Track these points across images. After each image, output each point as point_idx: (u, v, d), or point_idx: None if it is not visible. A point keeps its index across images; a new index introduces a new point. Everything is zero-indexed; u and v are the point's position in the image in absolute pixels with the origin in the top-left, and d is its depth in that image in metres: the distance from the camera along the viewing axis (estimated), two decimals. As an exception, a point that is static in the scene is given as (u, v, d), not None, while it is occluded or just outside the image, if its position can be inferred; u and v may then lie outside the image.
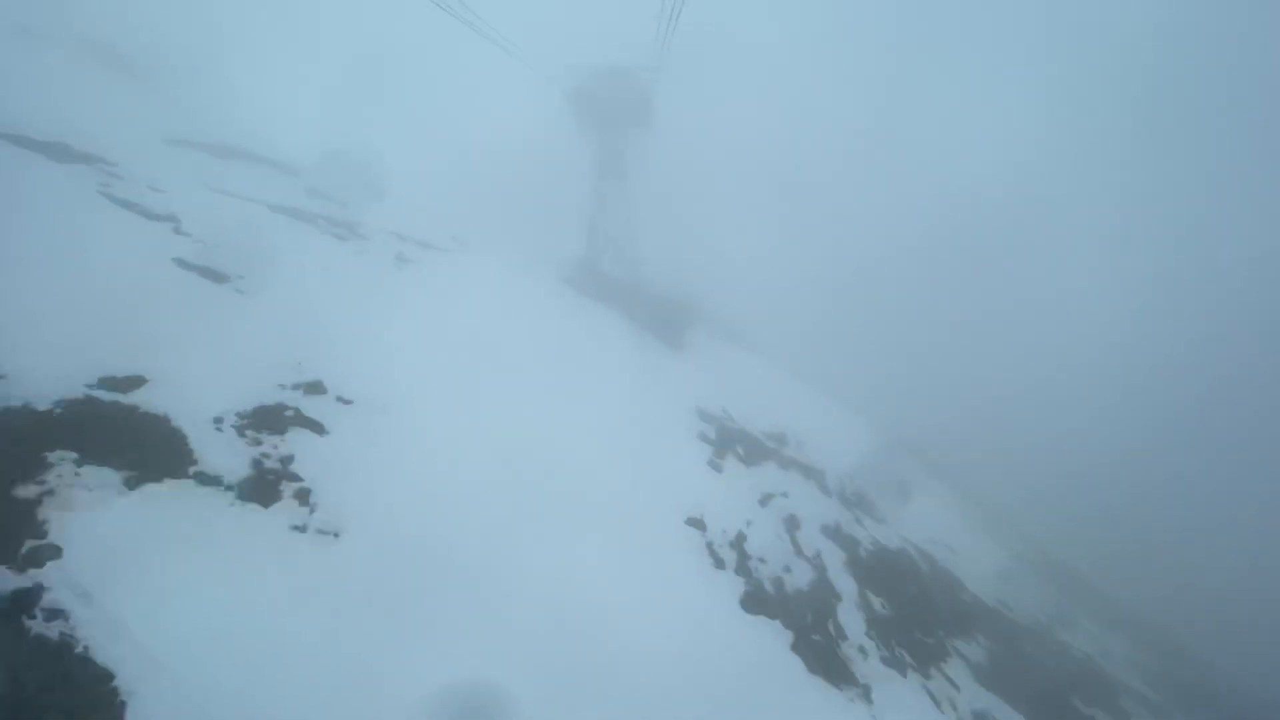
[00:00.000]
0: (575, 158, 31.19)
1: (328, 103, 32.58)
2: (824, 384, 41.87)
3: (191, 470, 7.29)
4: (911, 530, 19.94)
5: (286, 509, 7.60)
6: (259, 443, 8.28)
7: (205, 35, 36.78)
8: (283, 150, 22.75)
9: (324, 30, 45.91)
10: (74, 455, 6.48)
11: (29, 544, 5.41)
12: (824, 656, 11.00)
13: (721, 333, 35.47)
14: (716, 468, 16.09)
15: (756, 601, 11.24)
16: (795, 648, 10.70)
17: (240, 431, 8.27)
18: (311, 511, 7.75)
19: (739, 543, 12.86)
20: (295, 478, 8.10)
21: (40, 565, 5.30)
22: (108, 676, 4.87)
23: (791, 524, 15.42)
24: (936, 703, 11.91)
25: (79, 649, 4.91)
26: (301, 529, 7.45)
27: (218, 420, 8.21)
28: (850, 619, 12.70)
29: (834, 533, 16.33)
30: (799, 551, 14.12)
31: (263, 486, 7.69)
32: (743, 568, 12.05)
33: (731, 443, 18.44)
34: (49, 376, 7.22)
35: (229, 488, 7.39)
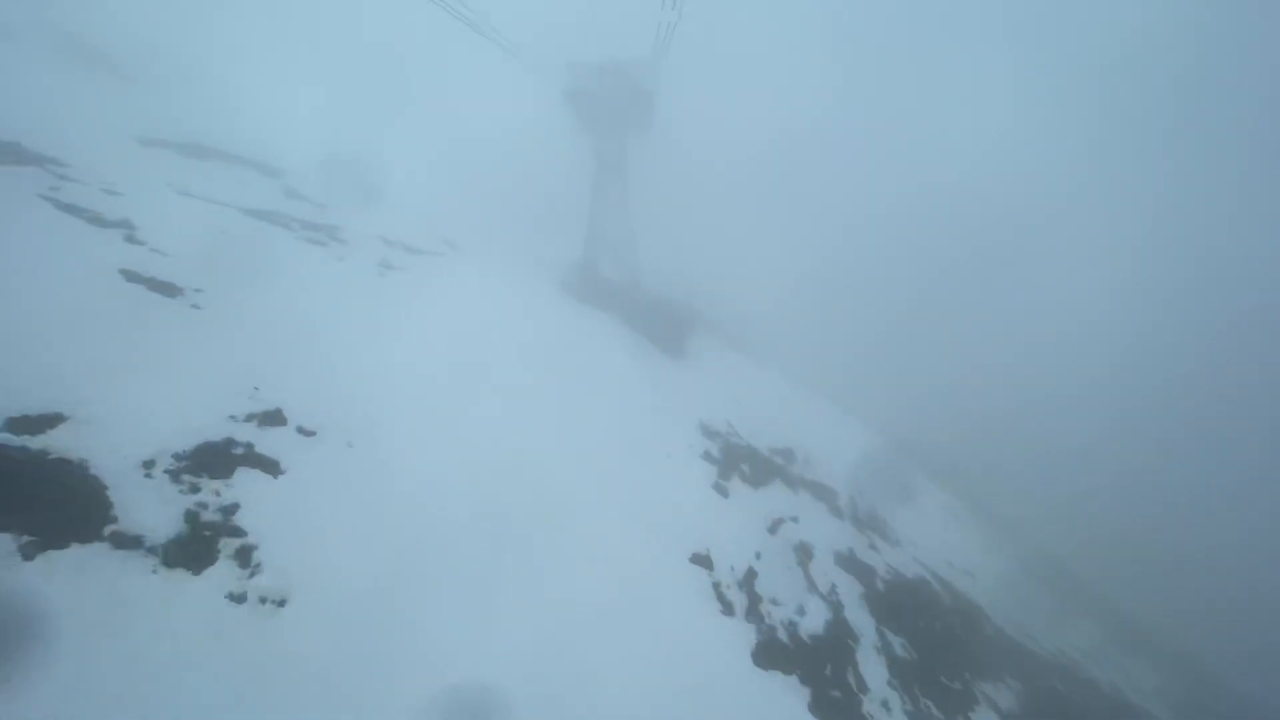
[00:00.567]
0: (574, 158, 30.05)
1: (318, 101, 31.39)
2: (828, 390, 40.81)
3: (108, 530, 6.13)
4: (926, 552, 18.80)
5: (223, 573, 6.44)
6: (196, 490, 7.12)
7: (196, 33, 35.68)
8: (265, 150, 21.59)
9: (317, 27, 44.70)
10: (-50, 521, 5.34)
11: None
12: (846, 716, 9.85)
13: (723, 339, 34.34)
14: (722, 491, 14.94)
15: (770, 653, 10.09)
16: (814, 707, 9.55)
17: (175, 477, 7.11)
18: (253, 574, 6.59)
19: (749, 581, 11.71)
20: (237, 532, 6.94)
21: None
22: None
23: (803, 553, 14.27)
24: (967, 761, 10.79)
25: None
26: (239, 599, 6.29)
27: (148, 464, 7.05)
28: (871, 666, 11.54)
29: (848, 561, 15.18)
30: (812, 586, 12.97)
31: (196, 546, 6.53)
32: (754, 612, 10.90)
33: (737, 461, 17.30)
34: (-65, 420, 6.08)
35: (152, 550, 6.23)
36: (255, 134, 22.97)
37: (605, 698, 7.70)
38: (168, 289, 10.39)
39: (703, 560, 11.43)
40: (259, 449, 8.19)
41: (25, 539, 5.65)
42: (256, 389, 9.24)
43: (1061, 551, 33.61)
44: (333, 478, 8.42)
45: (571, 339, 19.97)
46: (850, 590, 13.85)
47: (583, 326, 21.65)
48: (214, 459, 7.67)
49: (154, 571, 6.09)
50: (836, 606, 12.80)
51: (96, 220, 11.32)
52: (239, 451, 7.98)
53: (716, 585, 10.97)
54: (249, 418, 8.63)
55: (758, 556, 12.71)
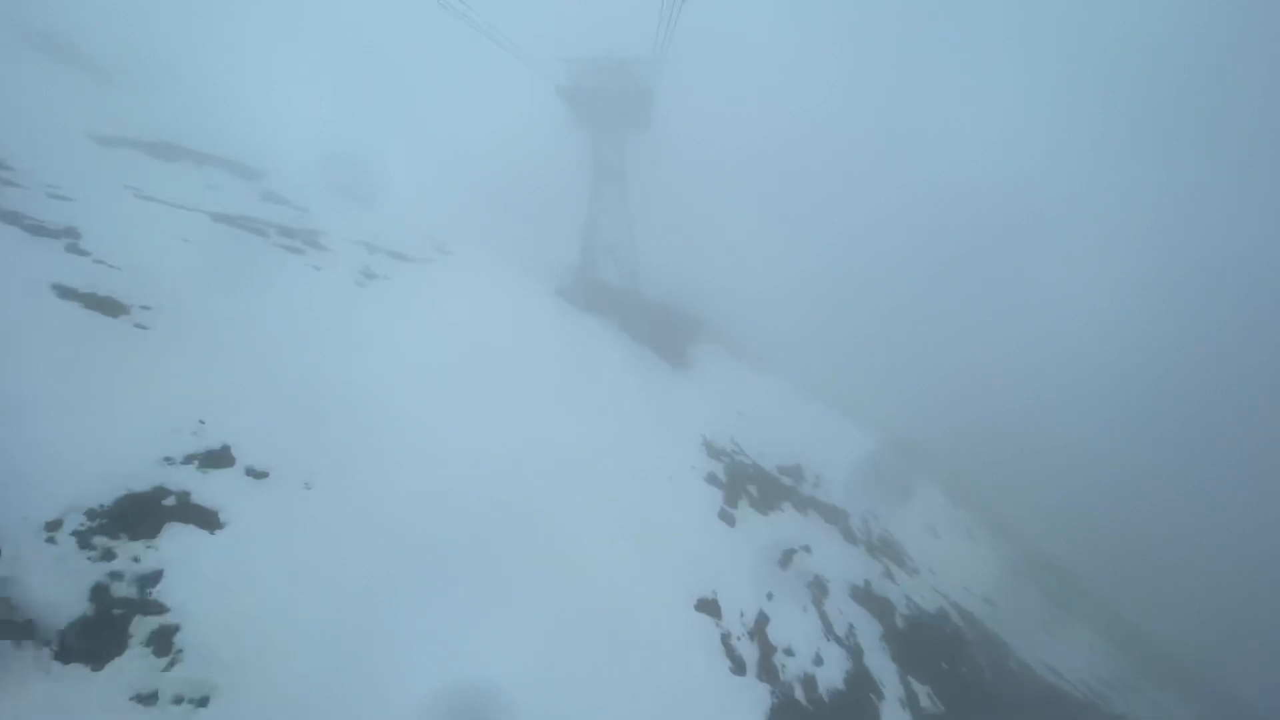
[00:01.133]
0: (571, 158, 28.92)
1: (304, 99, 30.22)
2: (832, 394, 39.74)
3: (-14, 617, 5.00)
4: (944, 579, 17.67)
5: (131, 665, 5.30)
6: (111, 556, 5.98)
7: (184, 31, 34.53)
8: (244, 150, 20.45)
9: (306, 24, 43.55)
10: None
11: None
12: (872, 791, 8.72)
13: (726, 346, 33.23)
14: (729, 520, 13.81)
15: (787, 718, 8.94)
16: (837, 784, 8.42)
17: (85, 541, 5.97)
18: (170, 664, 5.45)
19: (760, 629, 10.57)
20: (157, 608, 5.80)
21: None
22: None
23: (818, 589, 13.13)
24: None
25: None
26: (148, 699, 5.15)
27: (53, 526, 5.91)
28: (896, 724, 10.41)
29: (865, 595, 14.04)
30: (829, 630, 11.83)
31: (102, 631, 5.40)
32: (767, 666, 9.76)
33: (744, 483, 16.17)
34: None
35: (46, 643, 5.10)
36: (234, 133, 21.83)
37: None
38: (109, 306, 9.25)
39: (709, 607, 10.29)
40: (195, 498, 7.05)
41: (-128, 636, 4.52)
42: (202, 423, 8.10)
43: (1077, 568, 32.52)
44: (283, 529, 7.27)
45: (568, 351, 18.84)
46: (869, 630, 12.71)
47: (580, 337, 20.52)
48: (138, 514, 6.53)
49: (45, 673, 4.95)
50: (856, 652, 11.66)
51: (36, 229, 10.19)
52: (170, 503, 6.84)
53: (725, 637, 9.82)
54: (189, 459, 7.49)
55: (769, 598, 11.57)
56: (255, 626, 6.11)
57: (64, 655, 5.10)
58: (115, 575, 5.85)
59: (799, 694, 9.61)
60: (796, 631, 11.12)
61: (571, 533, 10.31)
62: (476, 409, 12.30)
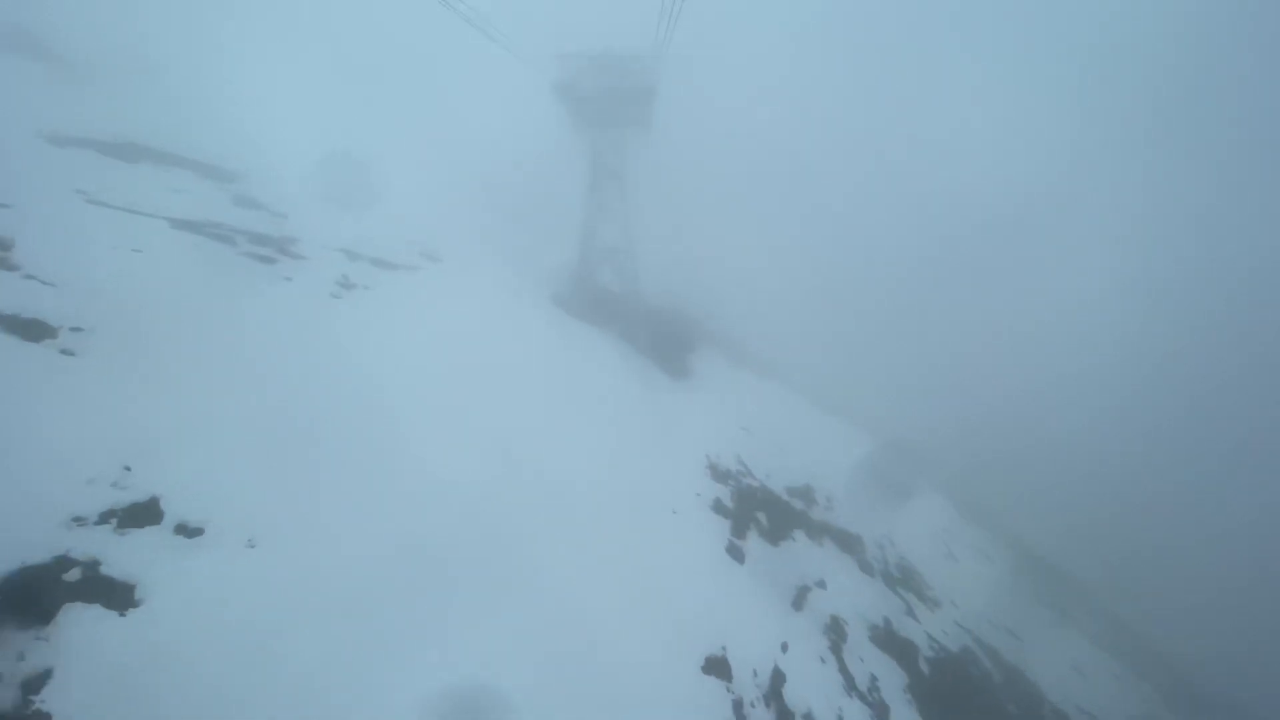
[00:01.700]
0: (568, 159, 27.77)
1: (286, 97, 29.00)
2: (836, 401, 38.69)
3: None
4: (967, 612, 16.49)
5: (-13, 814, 4.13)
6: (-18, 656, 4.80)
7: (167, 30, 33.28)
8: (219, 151, 19.23)
9: (296, 22, 42.27)
10: None
11: None
12: None
13: (728, 353, 32.07)
14: (737, 555, 12.63)
15: (809, 805, 7.78)
16: None
17: (-50, 637, 4.79)
18: (42, 809, 4.27)
19: (775, 689, 9.40)
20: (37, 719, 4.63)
21: None
22: None
23: (835, 634, 11.97)
24: None
25: None
26: None
27: (-93, 620, 4.74)
28: (929, 798, 9.24)
29: (886, 638, 12.87)
30: (850, 684, 10.66)
31: (-48, 766, 4.22)
32: (784, 738, 8.60)
33: (752, 510, 15.01)
34: None
35: None
36: (213, 133, 20.62)
37: None
38: (34, 329, 8.07)
39: (719, 667, 9.11)
40: (107, 568, 5.87)
41: None
42: (128, 469, 6.92)
43: (1079, 570, 31.46)
44: (214, 604, 6.09)
45: (562, 366, 17.66)
46: (892, 680, 11.54)
47: (576, 351, 19.35)
48: (30, 595, 5.35)
49: None
50: (880, 709, 10.49)
51: (-42, 239, 9.01)
52: (73, 577, 5.66)
53: (738, 704, 8.65)
54: (105, 516, 6.31)
55: (784, 649, 10.40)
56: (164, 742, 4.94)
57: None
58: (-16, 683, 4.67)
59: (822, 772, 8.44)
60: (815, 689, 9.96)
61: (557, 584, 9.12)
62: (452, 436, 11.13)
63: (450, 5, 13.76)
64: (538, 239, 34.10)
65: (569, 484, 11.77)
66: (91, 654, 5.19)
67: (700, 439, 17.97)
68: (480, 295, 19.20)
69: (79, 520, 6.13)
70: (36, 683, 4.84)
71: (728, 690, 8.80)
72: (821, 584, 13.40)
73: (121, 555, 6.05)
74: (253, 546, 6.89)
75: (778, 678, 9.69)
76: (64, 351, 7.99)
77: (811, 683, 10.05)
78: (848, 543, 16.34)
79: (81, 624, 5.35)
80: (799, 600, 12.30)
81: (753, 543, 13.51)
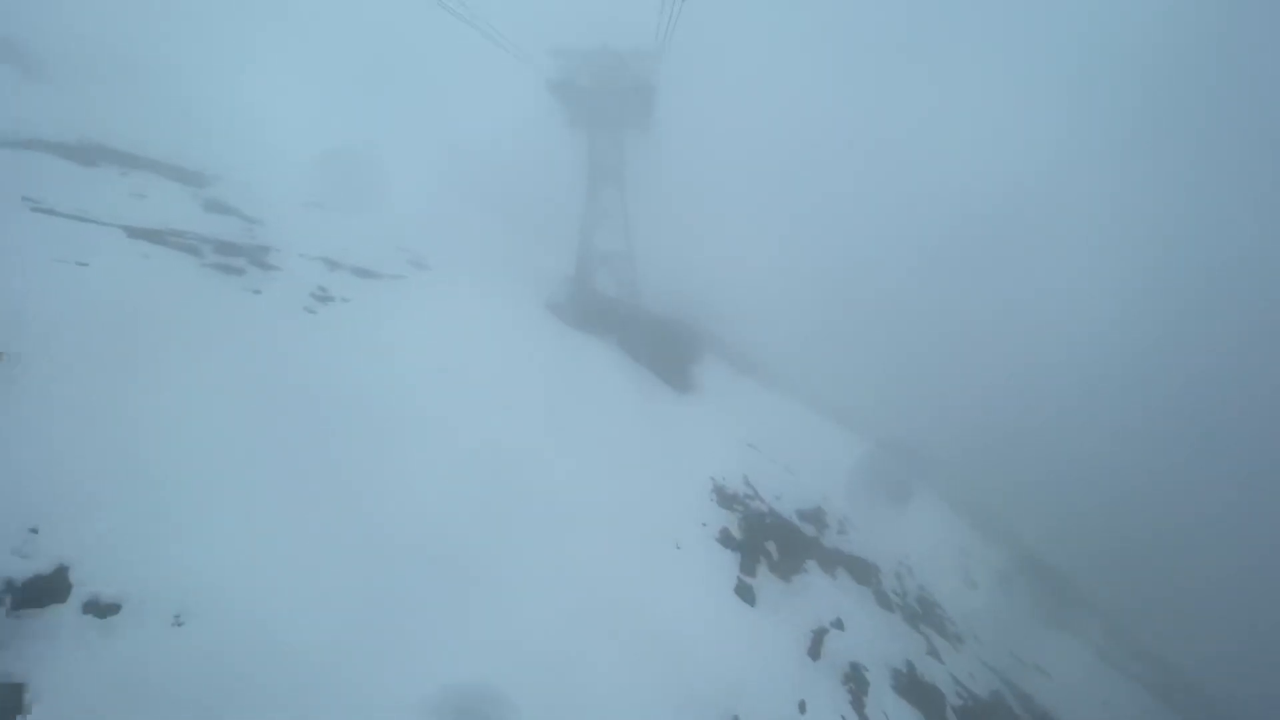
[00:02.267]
0: (565, 160, 26.71)
1: (270, 94, 27.91)
2: (840, 407, 37.71)
3: None
4: (993, 650, 15.40)
5: None
6: None
7: (152, 32, 32.20)
8: (193, 154, 18.13)
9: (284, 21, 41.21)
10: None
11: None
12: None
13: (732, 361, 31.01)
14: (748, 596, 11.54)
15: None
16: None
17: None
18: None
19: (795, 764, 8.29)
20: None
21: None
22: None
23: (855, 683, 10.87)
24: None
25: None
26: None
27: None
28: None
29: (909, 684, 11.78)
30: (876, 747, 9.56)
31: None
32: (808, 828, 7.49)
33: (762, 540, 13.93)
34: None
35: None
36: (186, 135, 19.55)
37: None
38: (-61, 360, 6.98)
39: (731, 740, 8.01)
40: (-16, 670, 4.76)
41: None
42: (35, 531, 5.81)
43: (1082, 573, 30.48)
44: (121, 711, 4.97)
45: (557, 380, 16.57)
46: (921, 738, 10.45)
47: (572, 363, 18.27)
48: None
49: None
50: (910, 777, 9.39)
51: None
52: (-64, 687, 4.55)
53: (754, 787, 7.55)
54: (-6, 597, 5.20)
55: (802, 709, 9.30)
56: None
57: None
58: None
59: None
60: (838, 757, 8.85)
61: (549, 637, 8.03)
62: (426, 465, 10.01)
63: (442, 3, 12.75)
64: (532, 243, 33.05)
65: (561, 519, 10.68)
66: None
67: (705, 460, 16.88)
68: (468, 305, 18.09)
69: (-43, 605, 5.02)
70: None
71: (742, 770, 7.70)
72: (839, 624, 12.31)
73: (14, 645, 4.94)
74: (180, 624, 5.77)
75: (797, 749, 8.59)
76: (-29, 387, 6.89)
77: (834, 749, 8.96)
78: (864, 573, 15.24)
79: (-64, 752, 4.25)
80: (815, 646, 11.21)
81: (763, 579, 12.42)
